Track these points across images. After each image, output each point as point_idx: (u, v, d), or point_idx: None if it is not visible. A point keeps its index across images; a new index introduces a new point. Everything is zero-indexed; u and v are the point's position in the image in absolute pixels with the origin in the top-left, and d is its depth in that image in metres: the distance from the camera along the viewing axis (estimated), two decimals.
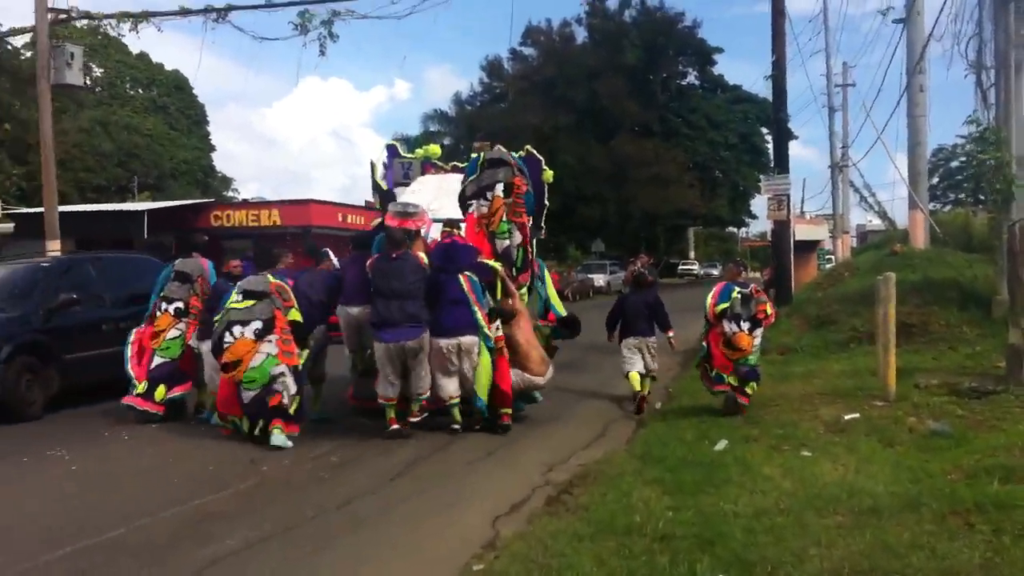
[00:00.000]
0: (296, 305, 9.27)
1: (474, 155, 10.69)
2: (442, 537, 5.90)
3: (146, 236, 31.29)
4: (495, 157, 10.41)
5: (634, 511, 5.99)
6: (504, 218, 10.18)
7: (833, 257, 39.88)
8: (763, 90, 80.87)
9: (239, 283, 9.45)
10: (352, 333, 10.04)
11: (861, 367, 11.81)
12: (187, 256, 10.85)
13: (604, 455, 8.05)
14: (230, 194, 70.20)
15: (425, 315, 9.15)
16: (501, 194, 10.20)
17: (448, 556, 5.43)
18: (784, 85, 18.52)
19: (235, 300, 9.17)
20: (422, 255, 9.47)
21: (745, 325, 9.87)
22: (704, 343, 10.52)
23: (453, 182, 11.38)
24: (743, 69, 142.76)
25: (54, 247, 17.00)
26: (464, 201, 10.47)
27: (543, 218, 11.55)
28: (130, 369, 10.35)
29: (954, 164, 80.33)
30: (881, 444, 7.85)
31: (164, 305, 10.44)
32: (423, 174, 12.27)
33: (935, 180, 63.20)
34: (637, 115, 56.92)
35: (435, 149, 12.99)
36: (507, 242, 10.24)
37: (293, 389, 8.89)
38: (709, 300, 10.24)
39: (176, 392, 10.28)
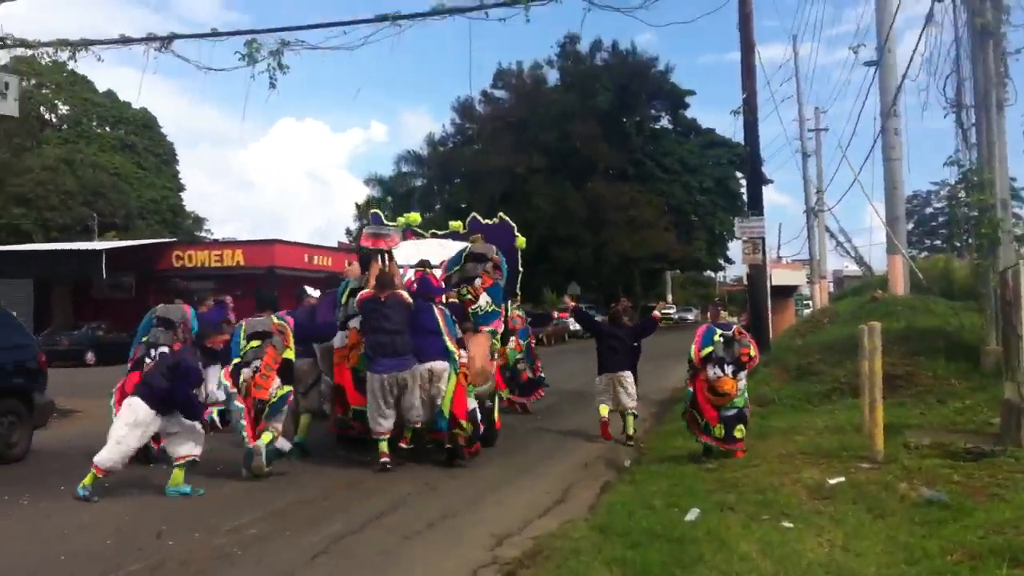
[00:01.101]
0: (292, 345, 9.98)
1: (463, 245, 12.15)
2: None
3: (104, 276, 30.26)
4: (479, 252, 11.76)
5: None
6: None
7: (811, 303, 39.24)
8: (737, 133, 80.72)
9: (246, 325, 10.04)
10: (327, 367, 10.89)
11: (844, 422, 10.98)
12: (169, 303, 11.16)
13: (561, 526, 7.12)
14: (203, 234, 69.23)
15: (411, 349, 9.91)
16: (479, 285, 11.47)
17: None
18: (756, 123, 17.71)
19: (243, 344, 9.84)
20: (405, 293, 10.22)
21: (728, 368, 9.78)
22: (690, 388, 10.22)
23: (432, 246, 12.81)
24: (716, 114, 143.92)
25: None
26: (447, 286, 11.56)
27: (517, 283, 12.97)
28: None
29: (929, 210, 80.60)
30: (870, 514, 7.01)
31: (151, 351, 10.51)
32: (404, 239, 12.87)
33: (910, 226, 63.02)
34: (611, 158, 56.43)
35: (415, 217, 14.35)
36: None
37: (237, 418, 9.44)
38: (693, 346, 10.07)
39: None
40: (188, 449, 8.81)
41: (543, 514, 7.80)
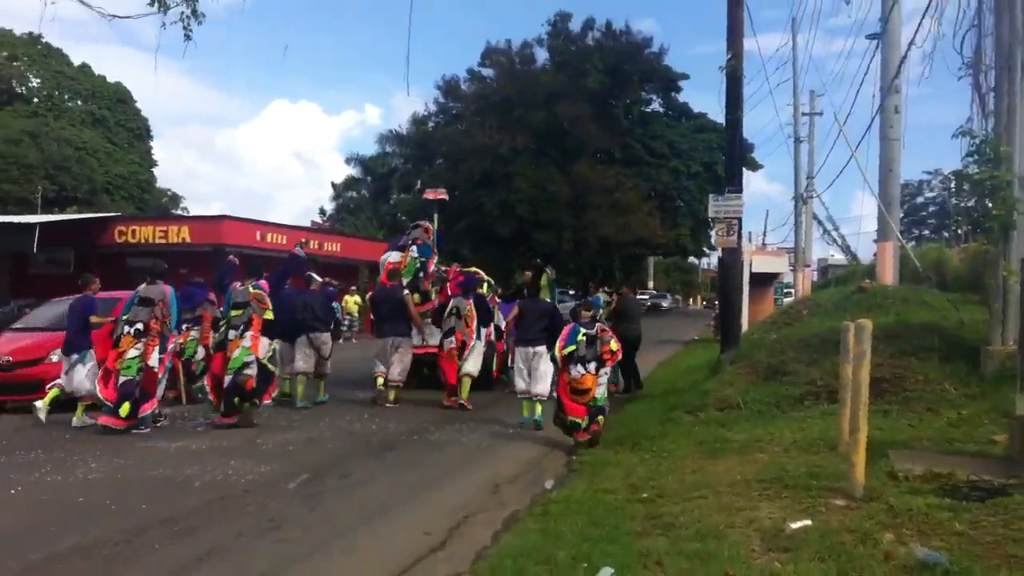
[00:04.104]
0: (271, 307, 11.82)
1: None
2: None
3: (35, 250, 28.18)
4: (420, 224, 16.17)
5: None
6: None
7: (793, 291, 37.45)
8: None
9: (233, 294, 11.84)
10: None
11: (817, 436, 9.10)
12: (151, 283, 11.66)
13: None
14: (179, 212, 67.12)
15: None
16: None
17: None
18: (740, 83, 15.60)
19: (231, 311, 11.71)
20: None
21: (591, 366, 10.24)
22: (555, 394, 10.92)
23: None
24: (709, 101, 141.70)
25: None
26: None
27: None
28: (99, 393, 11.04)
29: (920, 200, 79.17)
30: None
31: (126, 328, 11.22)
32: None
33: (899, 215, 60.99)
34: (599, 140, 54.25)
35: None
36: None
37: (253, 372, 11.44)
38: (558, 344, 10.51)
39: (146, 410, 11.04)
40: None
41: (405, 571, 5.80)
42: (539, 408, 11.74)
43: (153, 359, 11.13)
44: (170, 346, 11.66)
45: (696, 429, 10.23)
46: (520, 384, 12.05)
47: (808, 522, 6.13)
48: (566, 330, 10.59)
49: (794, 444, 8.86)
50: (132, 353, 11.01)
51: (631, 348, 15.74)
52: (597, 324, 10.70)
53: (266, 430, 11.08)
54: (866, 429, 6.92)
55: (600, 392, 10.22)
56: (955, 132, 11.17)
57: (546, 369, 11.77)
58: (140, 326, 11.12)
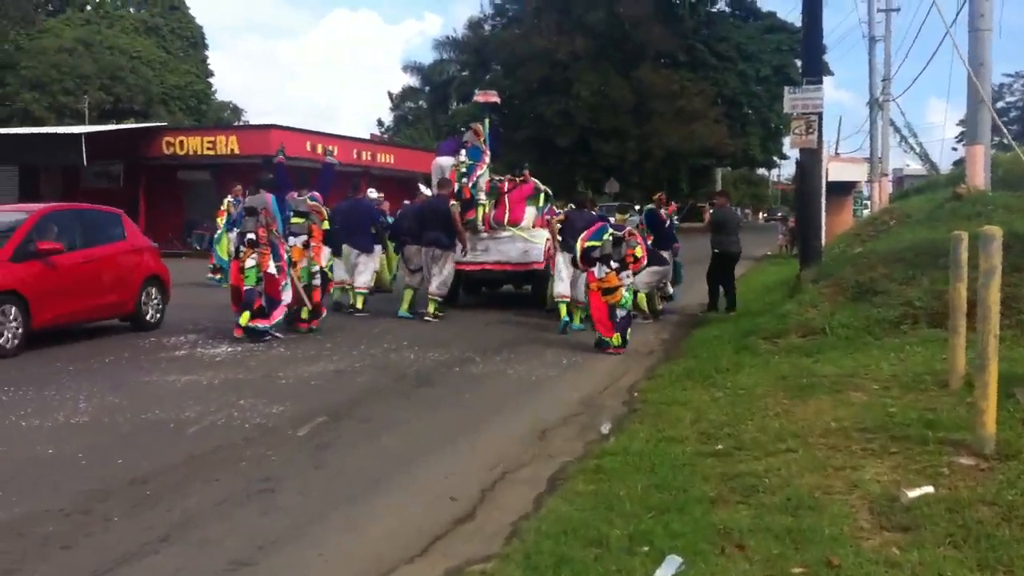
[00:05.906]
0: (327, 217, 12.75)
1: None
2: None
3: (84, 162, 27.36)
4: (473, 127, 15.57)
5: None
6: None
7: (870, 203, 35.30)
8: (799, 19, 76.21)
9: (292, 204, 12.17)
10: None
11: (922, 370, 7.75)
12: (254, 192, 11.95)
13: None
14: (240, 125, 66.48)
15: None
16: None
17: None
18: None
19: (292, 219, 12.08)
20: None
21: (615, 265, 10.78)
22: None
23: None
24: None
25: None
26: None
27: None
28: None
29: (1000, 104, 75.27)
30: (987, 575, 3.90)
31: (243, 239, 11.46)
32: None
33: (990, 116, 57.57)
34: (662, 42, 51.71)
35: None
36: None
37: (319, 283, 12.31)
38: (582, 236, 11.10)
39: (275, 318, 11.44)
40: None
41: (422, 552, 4.60)
42: (579, 315, 12.05)
43: (271, 267, 11.33)
44: (282, 252, 11.67)
45: (777, 360, 8.93)
46: (560, 287, 12.55)
47: (929, 489, 4.87)
48: (594, 226, 11.15)
49: (895, 380, 7.51)
50: (249, 263, 11.31)
51: (730, 264, 14.59)
52: (626, 228, 11.21)
53: (291, 360, 10.07)
54: (996, 366, 5.58)
55: (625, 294, 10.85)
56: None
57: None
58: (252, 236, 11.33)
